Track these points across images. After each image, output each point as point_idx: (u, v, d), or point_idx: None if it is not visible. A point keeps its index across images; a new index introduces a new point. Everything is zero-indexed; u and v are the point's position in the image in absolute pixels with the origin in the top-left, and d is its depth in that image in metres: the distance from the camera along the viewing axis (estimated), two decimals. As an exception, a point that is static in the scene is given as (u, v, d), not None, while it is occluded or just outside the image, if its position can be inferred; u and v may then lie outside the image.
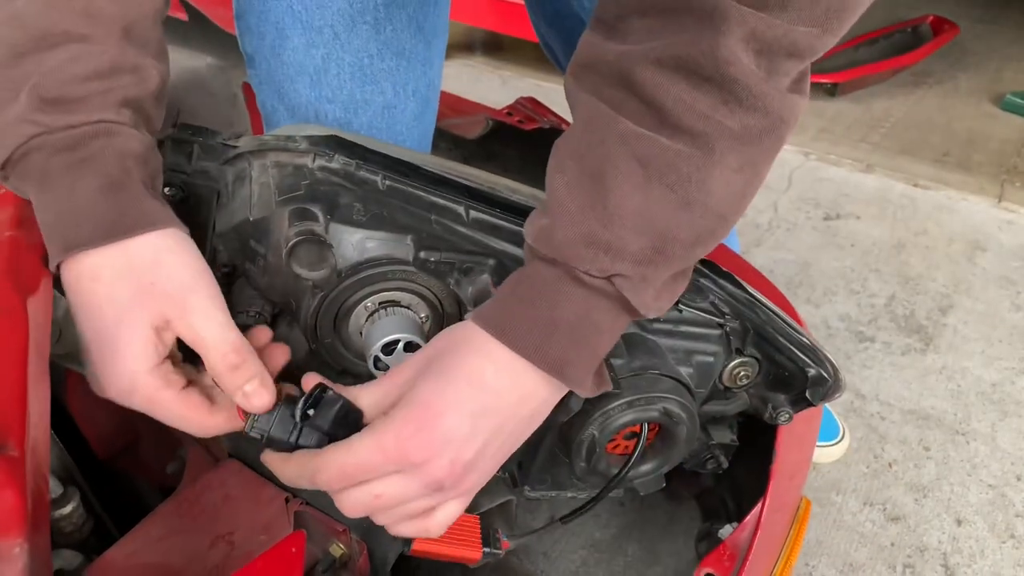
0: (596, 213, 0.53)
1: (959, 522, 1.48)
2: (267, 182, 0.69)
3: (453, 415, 0.53)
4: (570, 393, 0.59)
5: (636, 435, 0.68)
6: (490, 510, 0.74)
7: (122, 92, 0.57)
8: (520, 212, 0.69)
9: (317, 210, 0.65)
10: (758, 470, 0.80)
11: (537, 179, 0.66)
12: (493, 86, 2.94)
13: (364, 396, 0.58)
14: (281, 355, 0.64)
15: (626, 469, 0.67)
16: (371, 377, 0.69)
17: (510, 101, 1.54)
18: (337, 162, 0.69)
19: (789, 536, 0.85)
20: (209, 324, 0.56)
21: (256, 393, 0.57)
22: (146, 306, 0.53)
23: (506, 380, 0.55)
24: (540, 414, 0.59)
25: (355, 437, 0.55)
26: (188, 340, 0.56)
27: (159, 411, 0.56)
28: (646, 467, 0.72)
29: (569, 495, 0.73)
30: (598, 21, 0.56)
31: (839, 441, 1.58)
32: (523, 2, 1.14)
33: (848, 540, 1.45)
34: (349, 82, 0.88)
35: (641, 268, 0.54)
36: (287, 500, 0.74)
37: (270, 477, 0.78)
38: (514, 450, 0.59)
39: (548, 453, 0.69)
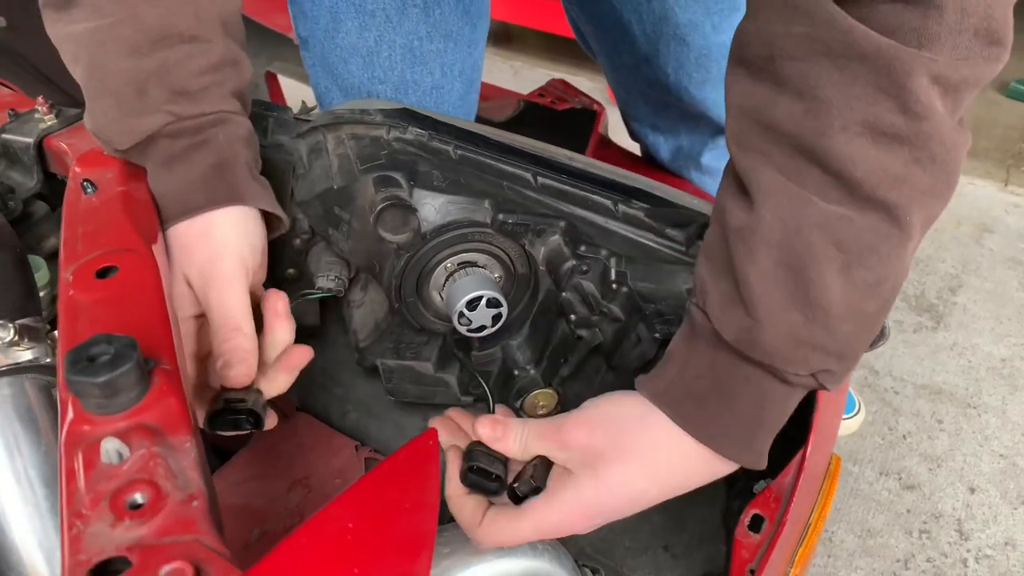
0: (799, 308, 0.49)
1: (972, 490, 1.54)
2: (346, 153, 0.73)
3: (630, 507, 0.56)
4: (644, 340, 0.65)
5: None
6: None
7: (230, 84, 0.65)
8: (582, 177, 0.73)
9: (400, 177, 0.70)
10: (789, 428, 0.85)
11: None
12: (505, 77, 2.99)
13: (533, 439, 0.59)
14: (302, 355, 0.66)
15: None
16: (449, 335, 0.74)
17: (523, 91, 1.59)
18: (411, 133, 0.74)
19: (823, 488, 0.90)
20: (233, 288, 0.61)
21: (231, 368, 0.59)
22: (199, 262, 0.61)
23: (700, 479, 0.56)
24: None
25: (558, 499, 0.56)
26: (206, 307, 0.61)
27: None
28: None
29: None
30: (741, 61, 0.51)
31: (855, 414, 1.63)
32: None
33: (865, 507, 1.50)
34: (400, 63, 0.93)
35: (845, 362, 0.51)
36: (356, 448, 0.79)
37: (339, 427, 0.83)
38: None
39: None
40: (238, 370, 0.59)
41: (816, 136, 0.46)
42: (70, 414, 0.40)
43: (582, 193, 0.74)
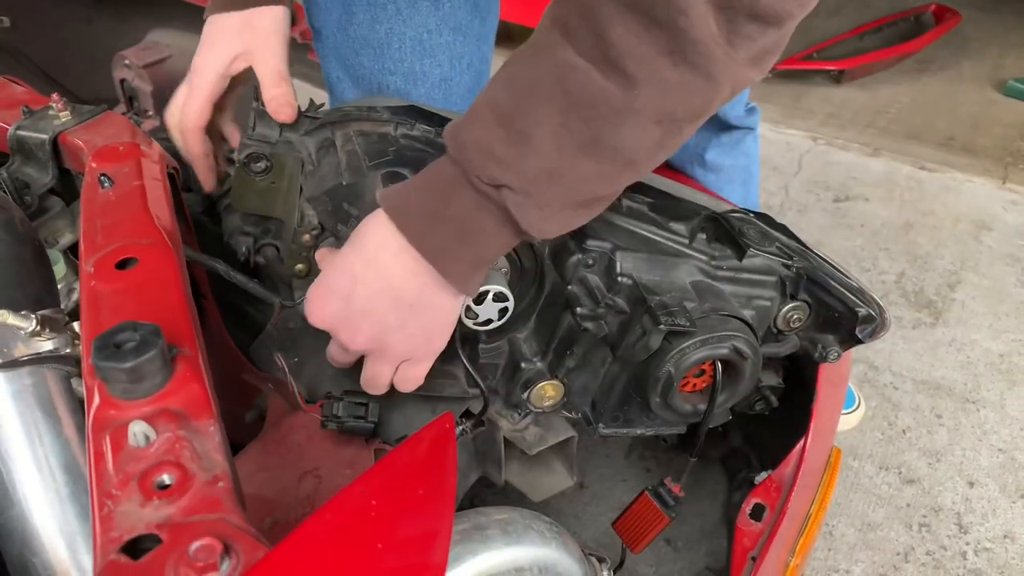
0: (504, 127, 0.55)
1: (971, 484, 1.55)
2: (354, 150, 0.75)
3: (336, 272, 0.64)
4: (649, 331, 0.66)
5: (704, 372, 0.74)
6: (552, 446, 0.80)
7: None
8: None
9: (408, 173, 0.71)
10: (789, 421, 0.86)
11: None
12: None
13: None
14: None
15: (713, 400, 0.73)
16: (455, 328, 0.76)
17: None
18: (418, 130, 0.75)
19: (823, 479, 0.91)
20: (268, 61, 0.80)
21: (281, 109, 0.77)
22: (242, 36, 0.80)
23: (388, 256, 0.62)
24: (426, 307, 0.65)
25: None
26: (258, 62, 0.80)
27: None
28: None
29: (638, 431, 0.79)
30: None
31: (855, 410, 1.64)
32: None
33: (866, 501, 1.52)
34: (410, 55, 0.94)
35: (528, 185, 0.56)
36: (366, 439, 0.81)
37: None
38: (417, 341, 0.67)
39: (622, 391, 0.75)
40: (287, 111, 0.76)
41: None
42: (96, 399, 0.41)
43: None
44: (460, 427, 0.80)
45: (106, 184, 0.60)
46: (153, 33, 2.14)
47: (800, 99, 2.82)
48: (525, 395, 0.76)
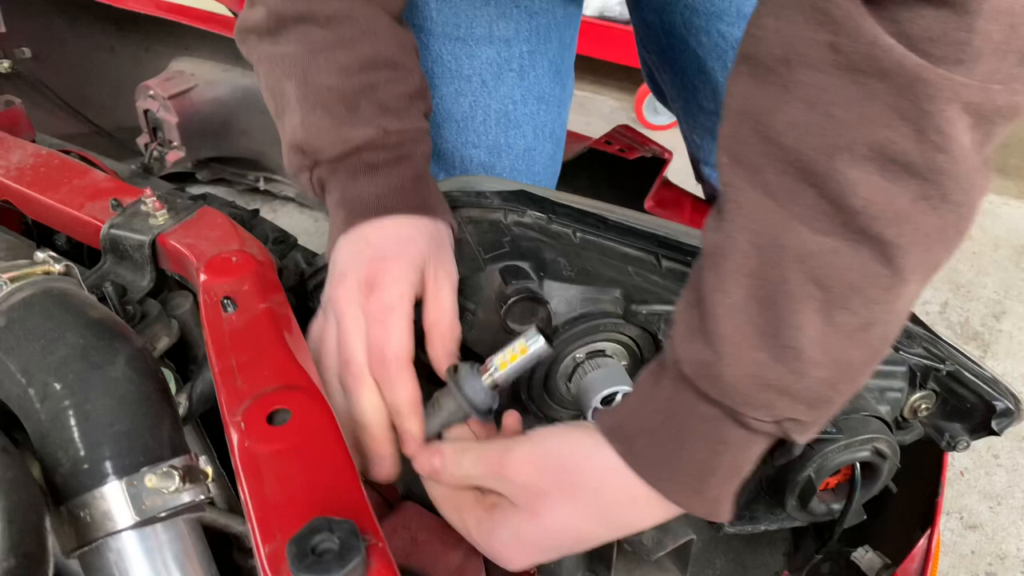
0: (767, 347, 0.45)
1: (1035, 528, 1.52)
2: (464, 238, 0.71)
3: (578, 545, 0.55)
4: (790, 441, 0.62)
5: (840, 471, 0.70)
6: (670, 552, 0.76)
7: (423, 107, 0.69)
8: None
9: (529, 268, 0.67)
10: (908, 508, 0.83)
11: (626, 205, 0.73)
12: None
13: (473, 462, 0.56)
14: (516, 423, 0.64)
15: (851, 501, 0.69)
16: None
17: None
18: (529, 217, 0.71)
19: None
20: (447, 286, 0.63)
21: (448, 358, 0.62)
22: (422, 250, 0.62)
23: (652, 518, 0.53)
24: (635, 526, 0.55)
25: (496, 536, 0.55)
26: (429, 288, 0.62)
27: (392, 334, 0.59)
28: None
29: (763, 527, 0.75)
30: (750, 59, 0.45)
31: (912, 451, 1.61)
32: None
33: (930, 549, 1.48)
34: (494, 128, 0.90)
35: (816, 412, 0.48)
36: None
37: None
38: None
39: (752, 491, 0.71)
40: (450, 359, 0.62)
41: (817, 153, 0.41)
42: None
43: None
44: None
45: (229, 309, 0.55)
46: (176, 62, 2.10)
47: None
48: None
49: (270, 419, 0.47)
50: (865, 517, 0.77)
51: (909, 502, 0.82)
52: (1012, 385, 0.72)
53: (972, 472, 1.62)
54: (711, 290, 0.46)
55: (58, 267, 0.56)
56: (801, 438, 0.49)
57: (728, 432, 0.48)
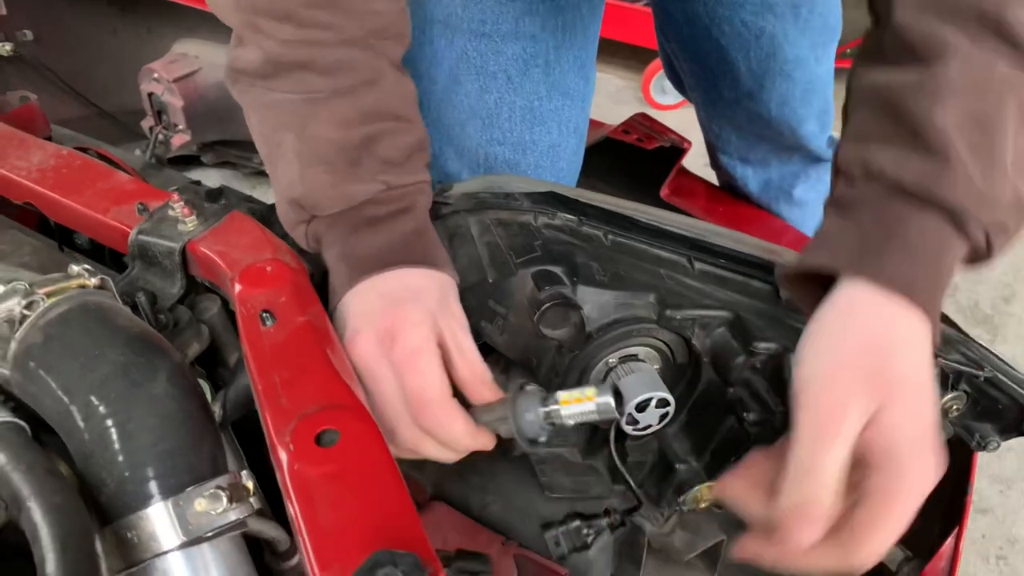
0: (981, 160, 0.50)
1: (1046, 512, 1.53)
2: (495, 242, 0.70)
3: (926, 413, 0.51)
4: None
5: None
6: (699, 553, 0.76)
7: (425, 159, 0.67)
8: (737, 260, 0.70)
9: (562, 273, 0.66)
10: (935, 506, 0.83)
11: (643, 196, 0.72)
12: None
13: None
14: None
15: None
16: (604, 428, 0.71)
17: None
18: (559, 219, 0.70)
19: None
20: (464, 337, 0.61)
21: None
22: (433, 298, 0.61)
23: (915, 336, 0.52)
24: None
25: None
26: (448, 343, 0.60)
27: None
28: None
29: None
30: None
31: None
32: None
33: (941, 534, 1.49)
34: (520, 124, 0.89)
35: (1017, 220, 0.52)
36: (503, 542, 0.77)
37: (479, 520, 0.80)
38: None
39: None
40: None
41: (996, 6, 0.49)
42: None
43: (741, 279, 0.71)
44: (600, 524, 0.77)
45: (268, 322, 0.54)
46: (179, 43, 2.07)
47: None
48: (681, 498, 0.72)
49: (318, 440, 0.46)
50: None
51: (933, 498, 0.82)
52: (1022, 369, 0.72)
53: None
54: (927, 111, 0.51)
55: (93, 280, 0.55)
56: (998, 250, 0.53)
57: (948, 237, 0.51)
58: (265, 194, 2.32)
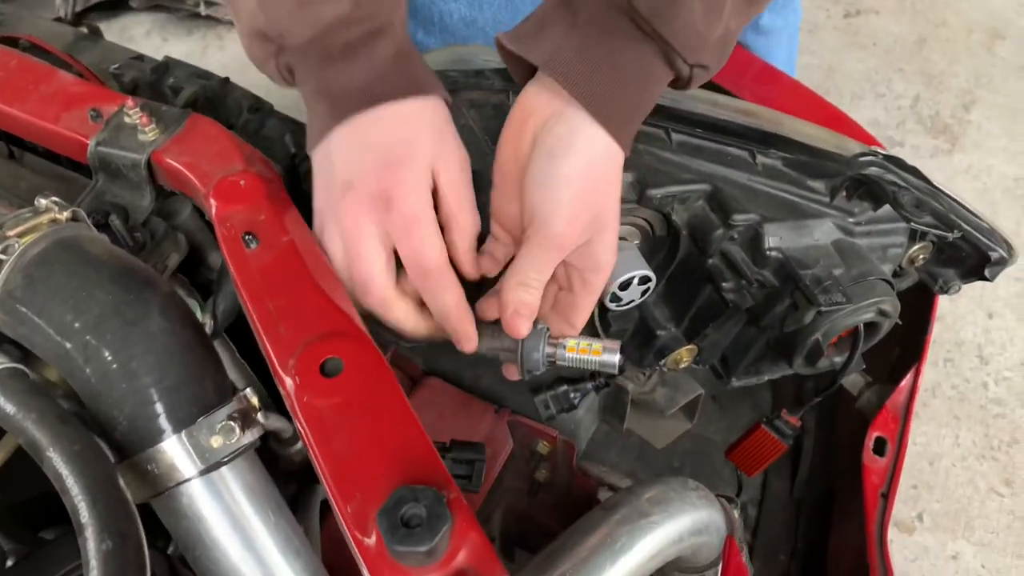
0: (711, 2, 0.53)
1: (990, 315, 1.63)
2: (468, 125, 0.68)
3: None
4: (803, 307, 0.66)
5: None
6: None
7: None
8: (714, 128, 0.70)
9: None
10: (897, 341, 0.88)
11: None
12: None
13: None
14: None
15: (852, 357, 0.73)
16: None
17: None
18: None
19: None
20: (459, 174, 0.60)
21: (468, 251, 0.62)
22: (429, 144, 0.58)
23: (612, 167, 0.57)
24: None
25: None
26: (441, 181, 0.59)
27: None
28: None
29: (766, 378, 0.79)
30: None
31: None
32: None
33: (895, 343, 1.60)
34: None
35: (717, 62, 0.57)
36: (496, 411, 0.81)
37: (472, 391, 0.84)
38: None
39: (759, 350, 0.75)
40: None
41: None
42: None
43: (717, 147, 0.71)
44: (586, 387, 0.81)
45: (252, 245, 0.54)
46: None
47: None
48: (662, 361, 0.76)
49: (323, 370, 0.47)
50: (864, 367, 0.82)
51: (893, 334, 0.87)
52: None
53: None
54: None
55: (65, 214, 0.53)
56: (699, 82, 0.58)
57: (657, 71, 0.56)
58: (204, 39, 2.18)
